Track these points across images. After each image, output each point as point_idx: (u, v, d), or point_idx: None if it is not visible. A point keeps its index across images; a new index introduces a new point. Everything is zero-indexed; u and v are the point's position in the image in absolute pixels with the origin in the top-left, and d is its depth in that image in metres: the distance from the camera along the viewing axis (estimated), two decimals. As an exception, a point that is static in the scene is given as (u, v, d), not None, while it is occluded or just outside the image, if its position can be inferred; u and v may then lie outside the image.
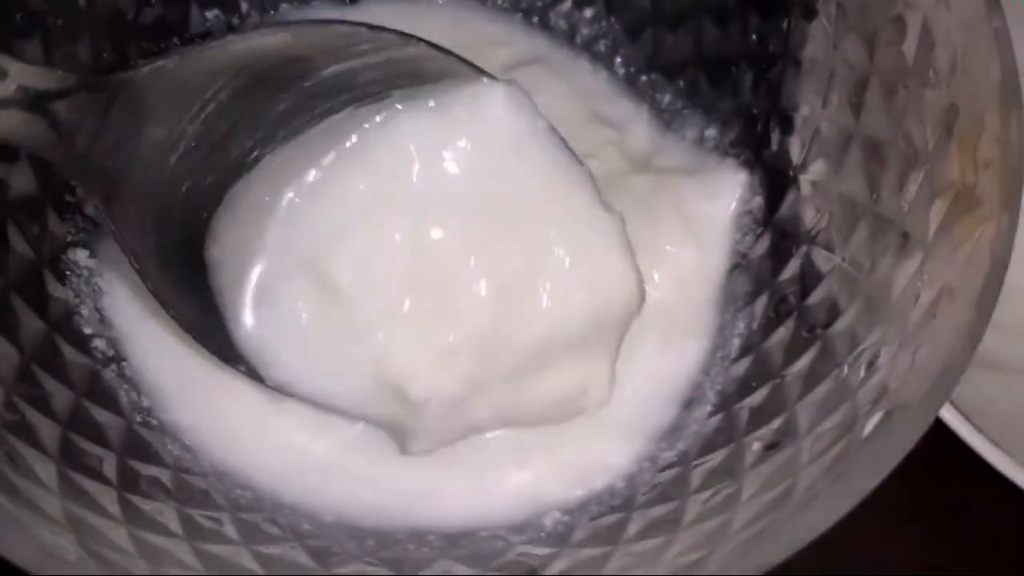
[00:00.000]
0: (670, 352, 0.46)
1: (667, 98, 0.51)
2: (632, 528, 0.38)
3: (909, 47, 0.39)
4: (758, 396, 0.41)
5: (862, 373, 0.36)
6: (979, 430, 0.45)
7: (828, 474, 0.31)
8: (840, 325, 0.39)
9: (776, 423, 0.38)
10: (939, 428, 0.46)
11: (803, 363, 0.40)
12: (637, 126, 0.51)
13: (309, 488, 0.41)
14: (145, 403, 0.42)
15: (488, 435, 0.43)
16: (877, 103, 0.41)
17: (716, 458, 0.40)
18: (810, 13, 0.44)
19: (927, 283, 0.35)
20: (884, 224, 0.39)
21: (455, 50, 0.42)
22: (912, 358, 0.33)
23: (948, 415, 0.45)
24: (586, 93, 0.51)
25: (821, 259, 0.43)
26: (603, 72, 0.52)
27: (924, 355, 0.32)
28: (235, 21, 0.50)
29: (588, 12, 0.52)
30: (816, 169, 0.45)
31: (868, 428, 0.31)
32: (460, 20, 0.52)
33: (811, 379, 0.39)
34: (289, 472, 0.41)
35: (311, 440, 0.42)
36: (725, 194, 0.47)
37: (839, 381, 0.37)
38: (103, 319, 0.44)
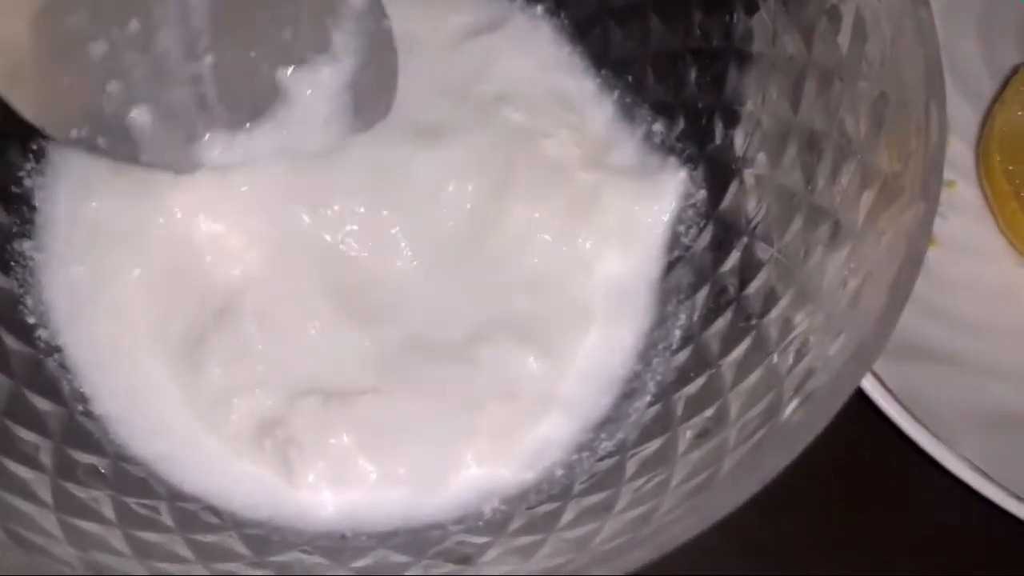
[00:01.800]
0: (613, 343, 0.46)
1: (616, 93, 0.51)
2: (567, 516, 0.38)
3: (843, 39, 0.40)
4: (695, 386, 0.41)
5: (790, 360, 0.36)
6: (920, 422, 0.45)
7: (748, 458, 0.32)
8: (774, 314, 0.40)
9: (709, 412, 0.39)
10: (879, 419, 0.46)
11: (738, 352, 0.40)
12: (597, 111, 0.51)
13: (218, 484, 0.41)
14: (86, 392, 0.42)
15: (437, 426, 0.43)
16: (814, 95, 0.41)
17: (652, 447, 0.40)
18: (752, 7, 0.45)
19: (853, 271, 0.35)
20: (818, 215, 0.39)
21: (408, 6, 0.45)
22: (833, 344, 0.33)
23: (889, 407, 0.45)
24: (548, 66, 0.51)
25: (760, 250, 0.43)
26: (566, 46, 0.52)
27: (842, 341, 0.32)
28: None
29: (539, 8, 0.52)
30: (757, 162, 0.45)
31: (786, 413, 0.32)
32: None
33: (744, 368, 0.39)
34: (197, 466, 0.42)
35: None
36: (666, 196, 0.47)
37: (769, 369, 0.37)
38: (46, 310, 0.44)
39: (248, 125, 0.44)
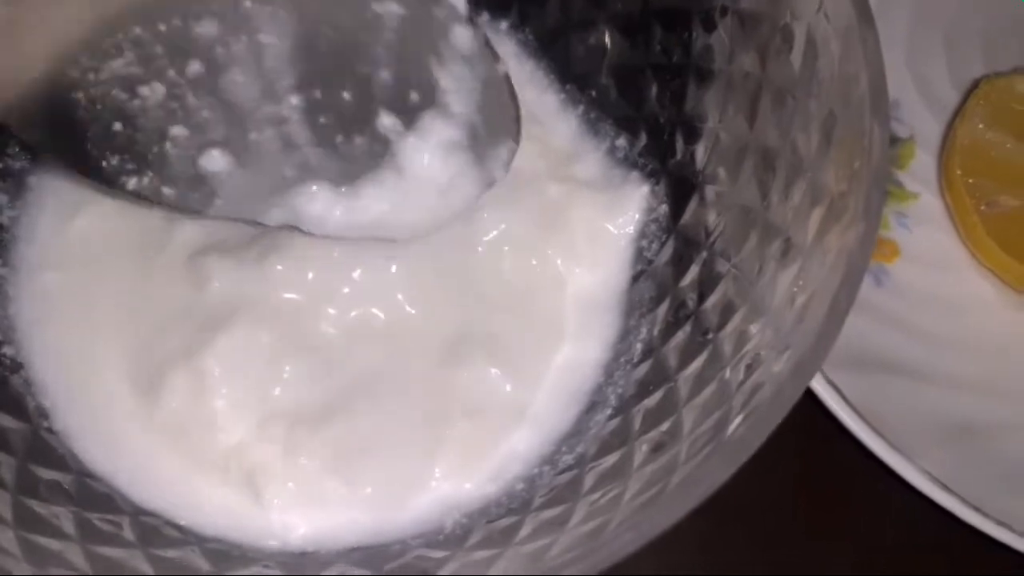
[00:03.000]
0: (581, 357, 0.47)
1: (580, 107, 0.51)
2: (524, 530, 0.39)
3: (796, 57, 0.40)
4: (653, 399, 0.42)
5: (741, 375, 0.36)
6: (880, 434, 0.46)
7: (694, 473, 0.32)
8: (729, 328, 0.40)
9: (665, 425, 0.39)
10: (840, 432, 0.47)
11: (695, 366, 0.41)
12: (561, 125, 0.51)
13: (182, 504, 0.42)
14: (49, 407, 0.43)
15: (405, 444, 0.44)
16: (768, 113, 0.42)
17: (610, 460, 0.40)
18: (710, 25, 0.45)
19: (801, 288, 0.36)
20: (772, 231, 0.40)
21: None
22: (779, 360, 0.33)
23: (849, 420, 0.46)
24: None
25: (719, 265, 0.43)
26: (529, 62, 0.52)
27: (786, 357, 0.33)
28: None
29: (504, 24, 0.53)
30: (716, 177, 0.46)
31: (731, 428, 0.32)
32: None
33: (699, 382, 0.39)
34: (160, 485, 0.42)
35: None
36: (629, 210, 0.48)
37: (722, 383, 0.38)
38: (11, 326, 0.44)
39: (348, 186, 0.40)
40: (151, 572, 0.37)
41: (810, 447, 0.48)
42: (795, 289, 0.36)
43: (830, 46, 0.38)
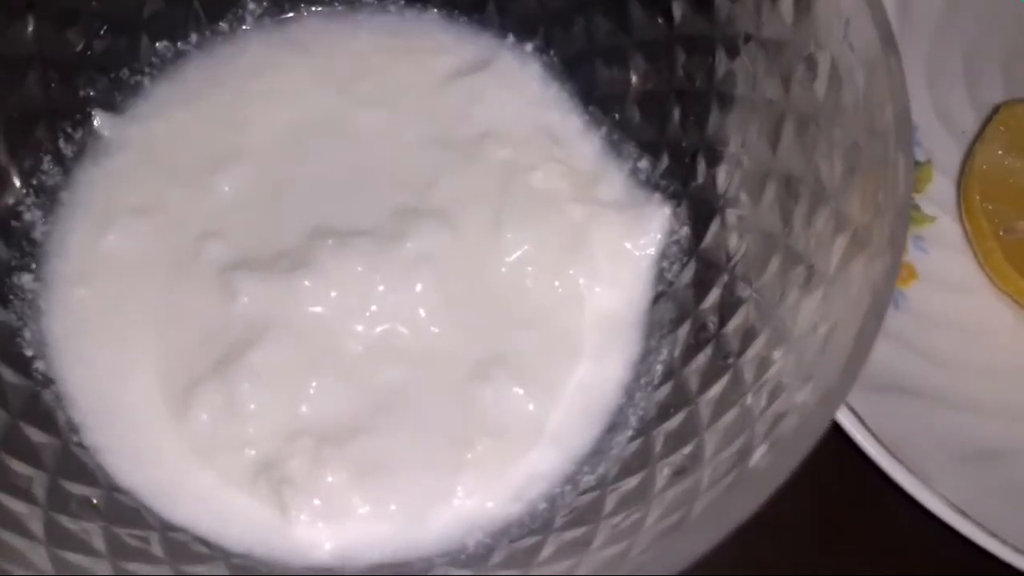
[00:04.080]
0: (601, 377, 0.47)
1: (603, 129, 0.52)
2: (546, 551, 0.40)
3: (820, 86, 0.41)
4: (674, 421, 0.42)
5: (764, 402, 0.37)
6: (897, 458, 0.46)
7: (718, 501, 0.33)
8: (750, 354, 0.41)
9: (687, 449, 0.40)
10: (857, 455, 0.47)
11: (716, 390, 0.41)
12: (584, 146, 0.52)
13: (210, 519, 0.42)
14: (79, 421, 0.44)
15: (429, 462, 0.44)
16: (792, 139, 0.43)
17: (631, 482, 0.41)
18: (733, 51, 0.46)
19: (824, 317, 0.36)
20: (794, 258, 0.41)
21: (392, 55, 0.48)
22: (803, 389, 0.34)
23: (866, 443, 0.46)
24: (534, 103, 0.52)
25: (739, 289, 0.44)
26: (554, 84, 0.53)
27: (811, 386, 0.33)
28: (182, 47, 0.52)
29: (529, 47, 0.53)
30: (738, 201, 0.46)
31: (756, 457, 0.33)
32: (401, 27, 0.53)
33: (721, 406, 0.40)
34: (189, 500, 0.43)
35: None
36: (652, 230, 0.49)
37: (744, 409, 0.38)
38: (43, 340, 0.45)
39: None
40: (179, 588, 0.38)
41: (827, 469, 0.48)
42: (818, 318, 0.37)
43: (855, 76, 0.39)
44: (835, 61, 0.40)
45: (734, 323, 0.43)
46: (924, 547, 0.48)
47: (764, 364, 0.39)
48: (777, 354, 0.38)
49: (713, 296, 0.45)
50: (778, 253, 0.42)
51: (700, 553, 0.30)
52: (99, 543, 0.38)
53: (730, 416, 0.39)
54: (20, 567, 0.34)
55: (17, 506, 0.37)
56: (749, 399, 0.38)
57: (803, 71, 0.42)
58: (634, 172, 0.51)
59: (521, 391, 0.46)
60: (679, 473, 0.39)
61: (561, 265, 0.48)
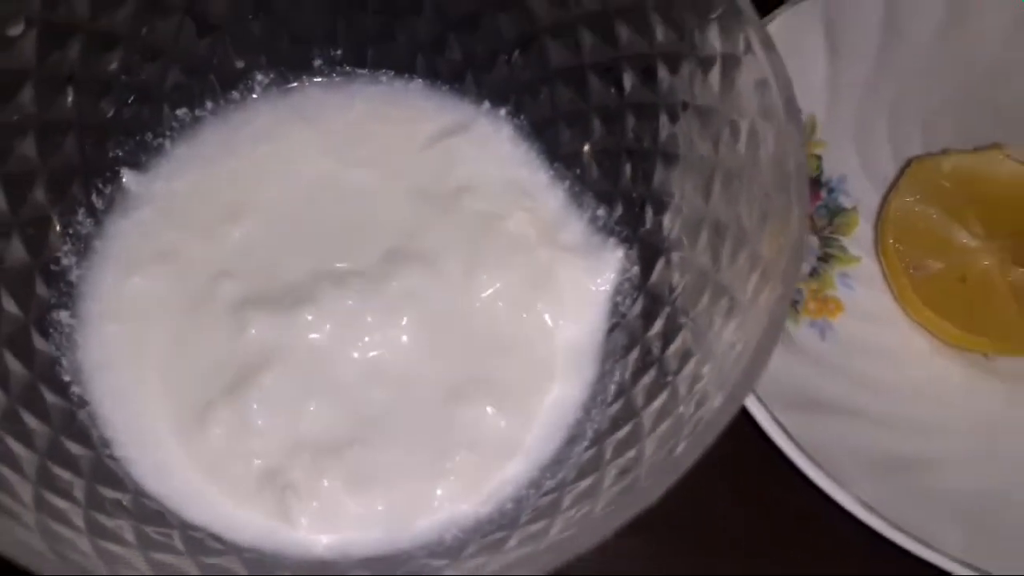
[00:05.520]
0: (566, 398, 0.54)
1: (566, 183, 0.60)
2: (512, 542, 0.46)
3: (741, 145, 0.48)
4: (623, 432, 0.49)
5: (692, 410, 0.44)
6: (819, 466, 0.53)
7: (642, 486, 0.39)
8: (686, 372, 0.47)
9: (631, 453, 0.46)
10: (784, 464, 0.54)
11: (657, 403, 0.47)
12: (550, 198, 0.58)
13: (222, 524, 0.49)
14: (109, 438, 0.50)
15: (413, 471, 0.51)
16: (720, 191, 0.50)
17: (585, 483, 0.47)
18: (674, 117, 0.53)
19: (739, 338, 0.43)
20: (720, 291, 0.47)
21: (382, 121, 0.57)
22: (717, 397, 0.41)
23: (793, 453, 0.53)
24: (506, 161, 0.59)
25: (679, 318, 0.51)
26: (524, 144, 0.60)
27: (723, 394, 0.40)
28: (199, 114, 0.59)
29: (502, 112, 0.61)
30: (680, 244, 0.53)
31: (677, 451, 0.39)
32: (390, 96, 0.61)
33: (660, 416, 0.46)
34: (202, 508, 0.49)
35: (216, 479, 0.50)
36: (607, 270, 0.55)
37: (677, 416, 0.45)
38: (79, 369, 0.52)
39: None
40: (199, 574, 0.44)
41: (754, 476, 0.55)
42: (735, 339, 0.44)
43: (766, 137, 0.46)
44: (752, 125, 0.46)
45: (674, 347, 0.50)
46: (841, 549, 0.55)
47: (696, 379, 0.46)
48: (705, 370, 0.45)
49: (658, 325, 0.52)
50: (709, 287, 0.48)
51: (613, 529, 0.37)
52: (130, 536, 0.44)
53: (666, 424, 0.45)
54: (70, 550, 0.40)
55: (62, 503, 0.43)
56: (681, 408, 0.45)
57: (728, 134, 0.49)
58: (593, 220, 0.58)
59: (493, 410, 0.52)
60: (623, 472, 0.45)
61: (529, 300, 0.55)
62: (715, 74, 0.49)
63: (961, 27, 0.70)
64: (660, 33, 0.52)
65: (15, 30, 0.49)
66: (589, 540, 0.36)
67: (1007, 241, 0.63)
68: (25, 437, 0.46)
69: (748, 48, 0.46)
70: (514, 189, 0.58)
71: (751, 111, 0.47)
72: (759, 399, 0.54)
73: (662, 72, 0.52)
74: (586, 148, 0.58)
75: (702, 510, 0.55)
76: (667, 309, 0.52)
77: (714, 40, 0.48)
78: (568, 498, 0.47)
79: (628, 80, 0.55)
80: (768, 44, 0.45)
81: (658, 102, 0.53)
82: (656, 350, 0.51)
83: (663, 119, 0.54)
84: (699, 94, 0.51)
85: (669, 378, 0.48)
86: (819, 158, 0.67)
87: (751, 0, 0.47)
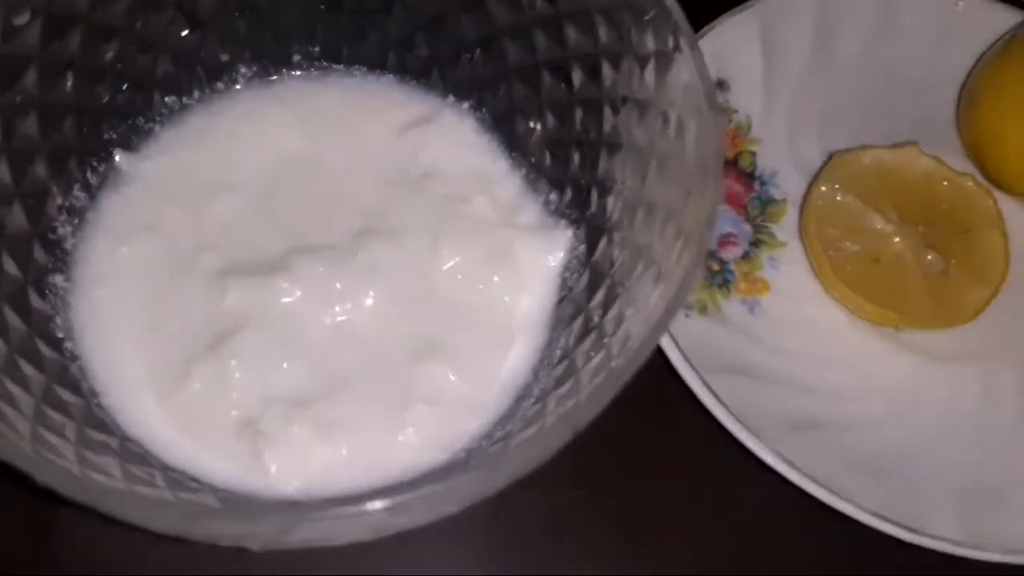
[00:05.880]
0: (520, 362, 0.59)
1: (523, 170, 0.65)
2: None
3: (671, 134, 0.54)
4: (564, 388, 0.54)
5: (622, 364, 0.49)
6: (744, 424, 0.58)
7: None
8: (619, 334, 0.53)
9: (570, 404, 0.52)
10: (711, 423, 0.60)
11: (594, 362, 0.53)
12: (508, 183, 0.64)
13: (198, 468, 0.53)
14: (97, 388, 0.55)
15: (376, 421, 0.56)
16: (655, 175, 0.56)
17: (529, 432, 0.53)
18: (616, 110, 0.59)
19: (663, 299, 0.49)
20: (651, 262, 0.53)
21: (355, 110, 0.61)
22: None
23: (720, 413, 0.59)
24: (468, 149, 0.64)
25: (617, 289, 0.57)
26: (485, 134, 0.65)
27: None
28: (187, 101, 0.64)
29: (465, 105, 0.66)
30: (621, 224, 0.59)
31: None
32: (364, 88, 0.66)
33: (595, 373, 0.52)
34: (180, 455, 0.54)
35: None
36: (558, 248, 0.61)
37: (609, 371, 0.50)
38: (71, 327, 0.57)
39: None
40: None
41: (692, 449, 0.61)
42: (660, 301, 0.49)
43: (690, 126, 0.52)
44: (680, 117, 0.52)
45: (611, 313, 0.55)
46: (760, 495, 0.60)
47: (627, 339, 0.51)
48: (635, 330, 0.51)
49: (599, 296, 0.57)
50: (642, 260, 0.54)
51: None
52: (116, 472, 0.49)
53: (599, 378, 0.51)
54: (62, 477, 0.45)
55: (55, 440, 0.49)
56: (613, 363, 0.50)
57: (660, 124, 0.54)
58: (546, 203, 0.63)
59: (452, 370, 0.57)
60: (562, 418, 0.51)
61: (487, 274, 0.60)
62: (650, 70, 0.55)
63: (887, 38, 0.77)
64: (603, 34, 0.57)
65: (21, 19, 0.54)
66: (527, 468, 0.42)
67: (919, 227, 0.69)
68: (23, 382, 0.51)
69: (677, 47, 0.52)
70: (476, 175, 0.64)
71: (679, 103, 0.53)
72: (692, 366, 0.60)
73: (606, 69, 0.58)
74: (540, 138, 0.64)
75: (639, 464, 0.61)
76: (607, 281, 0.58)
77: (648, 41, 0.54)
78: (514, 445, 0.53)
79: (577, 77, 0.59)
80: (693, 44, 0.51)
81: (602, 96, 0.58)
82: (596, 317, 0.57)
83: (607, 111, 0.59)
84: (637, 89, 0.56)
85: (605, 340, 0.54)
86: (754, 154, 0.72)
87: (694, 8, 0.53)
